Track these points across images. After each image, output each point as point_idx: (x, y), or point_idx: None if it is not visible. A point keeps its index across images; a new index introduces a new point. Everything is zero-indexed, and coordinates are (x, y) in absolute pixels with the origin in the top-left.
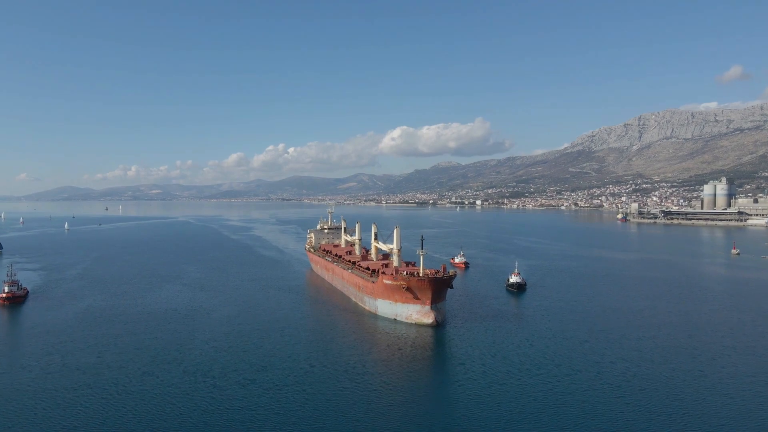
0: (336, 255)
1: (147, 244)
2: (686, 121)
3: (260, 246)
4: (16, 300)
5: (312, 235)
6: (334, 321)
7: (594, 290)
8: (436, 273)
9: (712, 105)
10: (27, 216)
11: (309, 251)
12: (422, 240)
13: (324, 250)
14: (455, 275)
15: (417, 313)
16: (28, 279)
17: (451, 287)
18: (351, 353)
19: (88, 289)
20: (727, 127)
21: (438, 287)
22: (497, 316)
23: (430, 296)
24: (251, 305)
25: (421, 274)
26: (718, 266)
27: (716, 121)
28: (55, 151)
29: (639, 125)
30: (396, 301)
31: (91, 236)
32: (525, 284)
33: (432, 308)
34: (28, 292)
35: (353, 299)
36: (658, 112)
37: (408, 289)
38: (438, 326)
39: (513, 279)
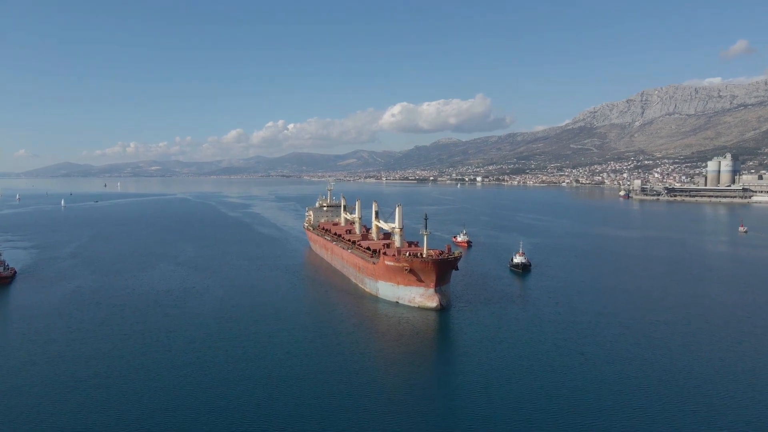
0: (335, 234)
1: (143, 221)
2: (689, 97)
3: (258, 223)
4: (2, 281)
5: (311, 213)
6: (332, 304)
7: (600, 270)
8: (440, 254)
9: (716, 80)
10: (24, 193)
11: (308, 229)
12: (426, 219)
13: (323, 228)
14: (461, 256)
15: (420, 296)
16: (18, 258)
17: (456, 269)
18: (350, 339)
19: (79, 268)
20: (731, 103)
21: (442, 269)
22: (503, 298)
23: (434, 279)
24: (246, 286)
25: (424, 255)
26: (726, 244)
27: (720, 96)
28: (53, 128)
29: (642, 101)
30: (398, 283)
31: (88, 213)
32: (530, 265)
33: (436, 291)
34: (15, 272)
35: (353, 280)
36: (661, 88)
37: (411, 271)
38: (442, 310)
39: (517, 259)
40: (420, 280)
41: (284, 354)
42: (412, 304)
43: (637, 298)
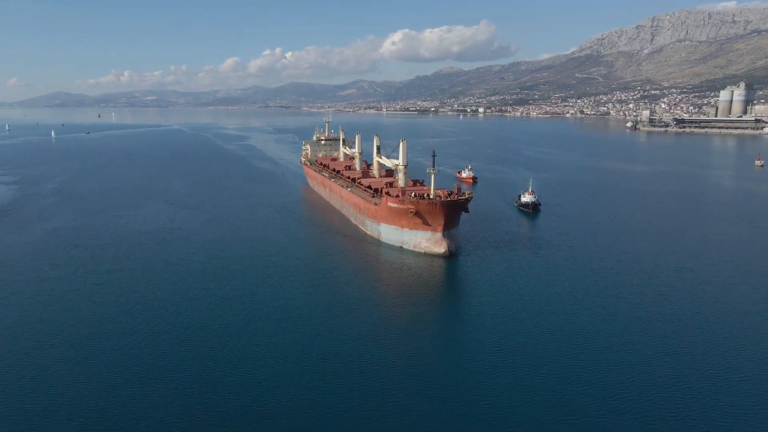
0: (334, 170)
1: (134, 154)
2: (702, 22)
3: (254, 157)
4: None
5: (308, 146)
6: (329, 248)
7: (614, 209)
8: (449, 195)
9: (731, 5)
10: (15, 123)
11: (305, 165)
12: (434, 156)
13: (321, 163)
14: (471, 197)
15: (427, 241)
16: None
17: (466, 211)
18: (348, 289)
19: (61, 206)
20: (744, 29)
21: (451, 211)
22: (513, 242)
23: (442, 222)
24: (237, 228)
25: (431, 196)
26: (743, 179)
27: (734, 21)
28: (44, 56)
29: (652, 27)
30: (402, 226)
31: (78, 145)
32: (539, 204)
33: (444, 236)
34: None
35: (353, 221)
36: (673, 13)
37: (417, 213)
38: (450, 256)
39: (526, 198)
40: (426, 224)
41: (275, 307)
42: (417, 250)
43: (657, 240)
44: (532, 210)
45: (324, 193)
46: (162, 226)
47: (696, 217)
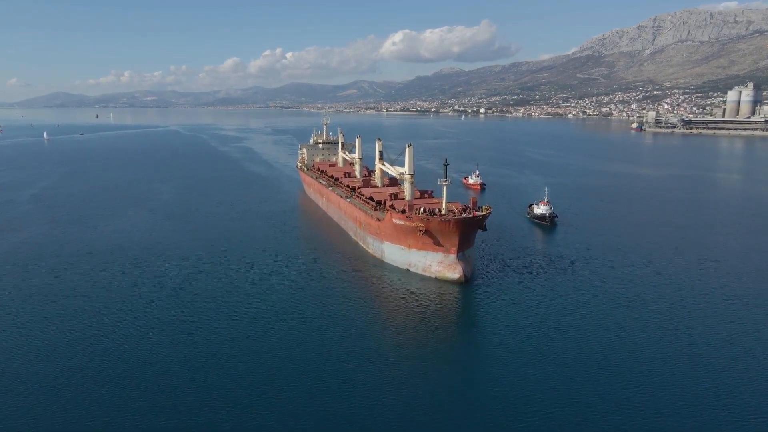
0: (332, 177)
1: (125, 157)
2: (704, 23)
3: (249, 159)
4: None
5: (304, 150)
6: (325, 269)
7: (636, 219)
8: (464, 209)
9: (732, 5)
10: (10, 124)
11: (301, 170)
12: (446, 166)
13: (318, 169)
14: (489, 213)
15: (438, 264)
16: None
17: (484, 229)
18: (345, 320)
19: (35, 215)
20: (746, 29)
21: (467, 230)
22: (532, 262)
23: (456, 242)
24: (223, 241)
25: (443, 212)
26: (764, 185)
27: (735, 22)
28: (43, 57)
29: (653, 27)
30: (410, 246)
31: (70, 147)
32: (556, 216)
33: (458, 258)
34: None
35: (353, 237)
36: (674, 13)
37: (427, 232)
38: (466, 282)
39: (542, 209)
40: (438, 244)
41: (258, 341)
42: (426, 274)
43: (692, 259)
44: (549, 223)
45: (321, 202)
46: (139, 241)
47: (728, 230)
